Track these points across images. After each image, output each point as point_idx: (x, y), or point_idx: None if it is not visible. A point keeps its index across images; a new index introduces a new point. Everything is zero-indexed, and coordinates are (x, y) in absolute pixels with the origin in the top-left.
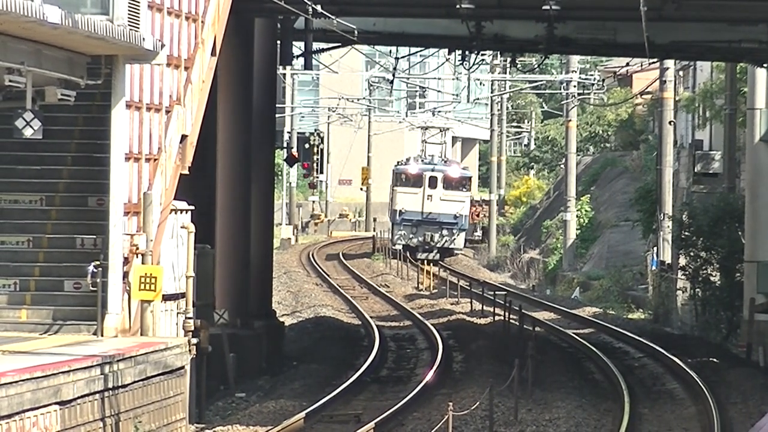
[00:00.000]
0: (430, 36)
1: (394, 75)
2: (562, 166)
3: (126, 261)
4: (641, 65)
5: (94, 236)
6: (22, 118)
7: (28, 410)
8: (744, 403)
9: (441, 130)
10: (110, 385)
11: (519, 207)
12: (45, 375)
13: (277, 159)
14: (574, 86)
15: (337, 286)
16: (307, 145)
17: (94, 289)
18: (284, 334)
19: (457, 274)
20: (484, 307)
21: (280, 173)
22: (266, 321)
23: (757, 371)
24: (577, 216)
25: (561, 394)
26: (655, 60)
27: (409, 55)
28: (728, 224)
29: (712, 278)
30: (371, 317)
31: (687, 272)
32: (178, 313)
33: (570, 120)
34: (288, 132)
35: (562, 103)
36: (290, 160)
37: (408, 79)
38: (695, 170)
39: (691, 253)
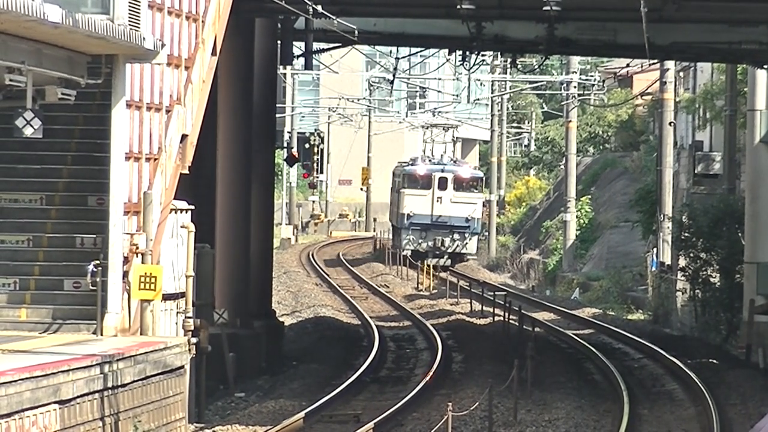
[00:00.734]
0: (431, 36)
1: (394, 75)
2: (562, 166)
3: (126, 260)
4: (641, 66)
5: (94, 235)
6: (23, 118)
7: (27, 409)
8: (743, 404)
9: (446, 129)
10: (110, 385)
11: (518, 207)
12: (44, 374)
13: (277, 159)
14: (575, 87)
15: (337, 286)
16: (307, 145)
17: (94, 288)
18: (284, 334)
19: (456, 274)
20: (484, 308)
21: (280, 173)
22: (266, 321)
23: (756, 372)
24: (576, 217)
25: (560, 394)
26: (656, 61)
27: (410, 55)
28: (728, 225)
29: (711, 279)
30: (371, 317)
31: (687, 273)
32: (177, 312)
33: (570, 121)
34: (288, 132)
35: (563, 103)
36: (290, 160)
37: (408, 79)
38: (695, 171)
39: (691, 254)
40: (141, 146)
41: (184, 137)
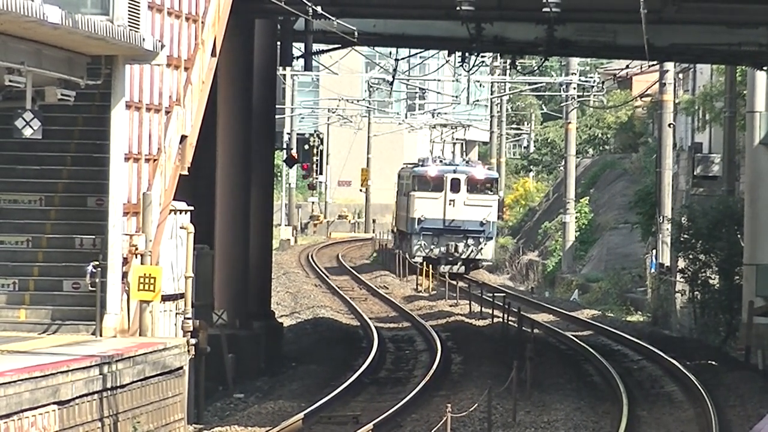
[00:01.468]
0: (430, 38)
1: (394, 76)
2: (562, 168)
3: (125, 261)
4: (641, 68)
5: (93, 236)
6: (22, 118)
7: (26, 410)
8: (742, 406)
9: (455, 128)
10: (109, 386)
11: (513, 209)
12: (43, 375)
13: (276, 160)
14: (574, 88)
15: (336, 288)
16: (306, 146)
17: (93, 289)
18: (283, 335)
19: (455, 275)
20: (483, 309)
21: (279, 174)
22: (265, 322)
23: (755, 374)
24: (576, 218)
25: (559, 396)
26: (655, 62)
27: (409, 56)
28: (727, 227)
29: (711, 281)
30: (370, 318)
31: (686, 275)
32: (176, 313)
33: (569, 122)
34: (288, 133)
35: (562, 105)
36: (290, 161)
37: (408, 80)
38: (694, 173)
39: (690, 256)
40: (140, 147)
41: (183, 138)
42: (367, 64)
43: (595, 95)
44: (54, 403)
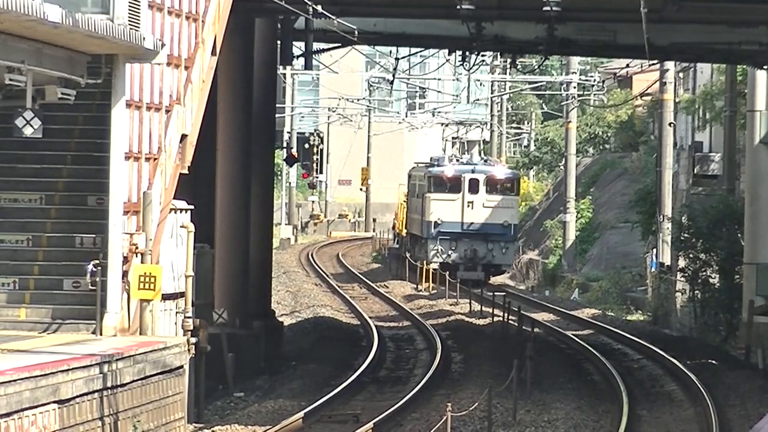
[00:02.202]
0: (431, 36)
1: (394, 75)
2: (562, 167)
3: (125, 260)
4: (641, 67)
5: (94, 235)
6: (23, 117)
7: (26, 409)
8: (742, 405)
9: (471, 125)
10: (109, 384)
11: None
12: (44, 374)
13: (276, 159)
14: (574, 87)
15: (337, 287)
16: (306, 145)
17: (94, 288)
18: (283, 334)
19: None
20: (483, 308)
21: (279, 173)
22: (265, 321)
23: (755, 373)
24: (576, 217)
25: (560, 395)
26: (655, 61)
27: (410, 55)
28: (728, 226)
29: (711, 280)
30: (370, 317)
31: (686, 274)
32: (177, 312)
33: (570, 121)
34: (288, 132)
35: (562, 104)
36: (290, 160)
37: (408, 79)
38: (695, 172)
39: (691, 255)
40: (141, 146)
41: (183, 137)
42: (367, 63)
43: (595, 94)
44: (54, 402)
